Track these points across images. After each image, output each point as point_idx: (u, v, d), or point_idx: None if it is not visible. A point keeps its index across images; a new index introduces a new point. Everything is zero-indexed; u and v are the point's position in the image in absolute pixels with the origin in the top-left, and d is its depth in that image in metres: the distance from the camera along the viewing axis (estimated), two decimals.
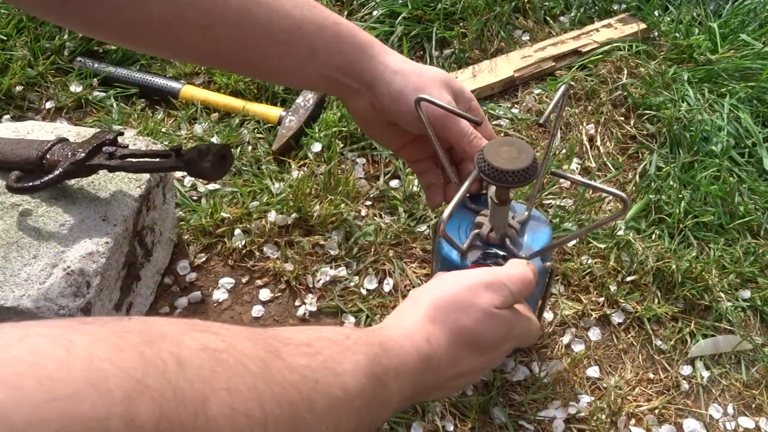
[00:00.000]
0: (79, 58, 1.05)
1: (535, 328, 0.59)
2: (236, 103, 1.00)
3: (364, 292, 0.82)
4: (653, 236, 0.87)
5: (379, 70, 0.64)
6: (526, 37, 1.14)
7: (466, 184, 0.60)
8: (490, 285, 0.53)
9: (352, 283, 0.82)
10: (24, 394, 0.26)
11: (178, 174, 0.91)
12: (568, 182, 0.94)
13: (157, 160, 0.70)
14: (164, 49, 0.64)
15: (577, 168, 0.96)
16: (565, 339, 0.79)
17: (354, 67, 0.64)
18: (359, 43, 0.64)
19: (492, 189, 0.62)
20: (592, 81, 1.04)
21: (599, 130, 1.00)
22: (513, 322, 0.54)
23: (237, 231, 0.86)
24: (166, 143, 0.94)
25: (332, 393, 0.41)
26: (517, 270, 0.56)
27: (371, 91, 0.65)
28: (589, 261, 0.84)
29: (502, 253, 0.62)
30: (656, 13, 1.16)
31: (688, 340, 0.80)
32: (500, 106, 1.04)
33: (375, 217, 0.89)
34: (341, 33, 0.63)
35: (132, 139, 0.77)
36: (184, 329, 0.35)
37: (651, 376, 0.77)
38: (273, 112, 0.99)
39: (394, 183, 0.93)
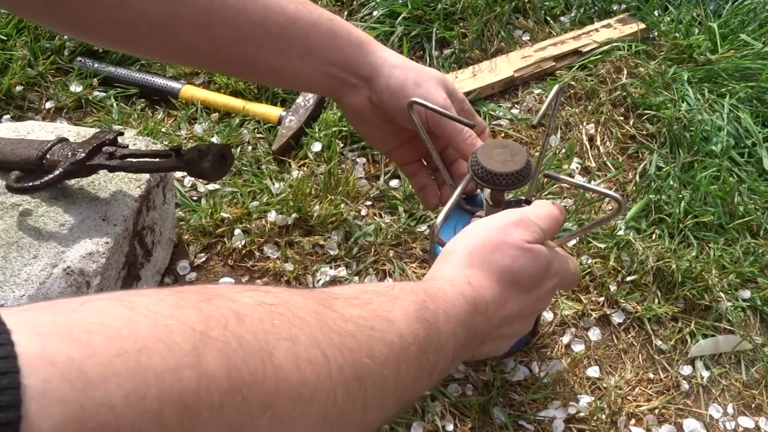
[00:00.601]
0: (79, 58, 1.05)
1: (575, 267, 0.59)
2: (236, 103, 1.00)
3: None
4: (653, 236, 0.87)
5: (378, 64, 0.64)
6: (526, 37, 1.14)
7: (459, 188, 0.60)
8: (518, 223, 0.54)
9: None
10: (95, 349, 0.27)
11: (178, 174, 0.91)
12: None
13: (157, 160, 0.70)
14: (160, 50, 0.64)
15: (577, 168, 0.96)
16: (565, 339, 0.79)
17: (351, 62, 0.64)
18: (355, 39, 0.64)
19: (487, 190, 0.62)
20: (592, 81, 1.04)
21: (599, 129, 1.00)
22: (549, 257, 0.54)
23: (237, 231, 0.86)
24: (166, 143, 0.94)
25: (388, 339, 0.41)
26: (543, 208, 0.57)
27: (370, 86, 0.65)
28: (589, 261, 0.84)
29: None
30: (656, 13, 1.16)
31: (688, 340, 0.80)
32: (500, 106, 1.04)
33: (375, 217, 0.89)
34: (336, 29, 0.63)
35: (132, 139, 0.77)
36: (237, 289, 0.37)
37: (651, 376, 0.77)
38: (273, 112, 0.99)
39: (394, 183, 0.93)
